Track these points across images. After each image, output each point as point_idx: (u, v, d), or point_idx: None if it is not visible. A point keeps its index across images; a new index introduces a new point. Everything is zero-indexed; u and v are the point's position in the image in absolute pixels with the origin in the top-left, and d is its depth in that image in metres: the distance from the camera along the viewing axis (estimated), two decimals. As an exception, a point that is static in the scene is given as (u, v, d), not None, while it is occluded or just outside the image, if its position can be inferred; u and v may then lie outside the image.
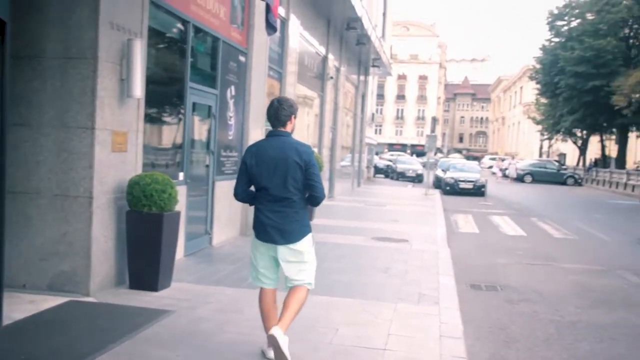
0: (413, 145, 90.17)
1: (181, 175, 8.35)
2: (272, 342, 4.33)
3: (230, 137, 10.31)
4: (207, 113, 9.30)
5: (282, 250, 4.60)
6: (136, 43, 6.32)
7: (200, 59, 9.02)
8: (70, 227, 6.15)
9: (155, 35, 7.45)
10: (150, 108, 7.43)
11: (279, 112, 4.61)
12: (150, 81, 7.27)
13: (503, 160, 50.64)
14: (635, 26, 45.88)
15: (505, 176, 44.02)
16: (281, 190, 4.50)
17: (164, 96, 8.11)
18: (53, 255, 6.20)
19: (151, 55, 7.31)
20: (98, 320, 5.43)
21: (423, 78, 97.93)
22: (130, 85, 6.35)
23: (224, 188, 10.00)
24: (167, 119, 8.34)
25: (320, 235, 11.37)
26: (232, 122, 10.28)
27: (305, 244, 4.66)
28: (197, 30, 8.61)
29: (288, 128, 4.65)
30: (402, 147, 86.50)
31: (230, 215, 10.40)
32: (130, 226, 6.49)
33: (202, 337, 5.18)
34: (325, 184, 18.76)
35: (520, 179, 42.76)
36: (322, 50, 17.23)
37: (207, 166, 9.40)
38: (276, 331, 4.33)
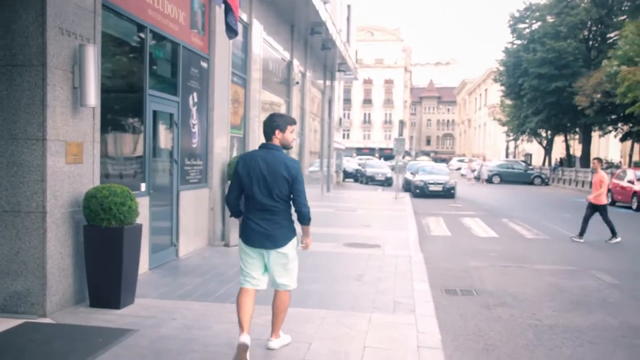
0: (381, 149, 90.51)
1: (143, 186, 8.01)
2: (241, 347, 4.76)
3: (194, 145, 9.97)
4: (169, 121, 8.95)
5: (272, 255, 4.97)
6: (88, 49, 5.97)
7: (159, 65, 8.68)
8: (23, 245, 5.77)
9: (110, 41, 7.11)
10: (108, 117, 7.08)
11: (264, 127, 5.01)
12: (106, 89, 6.93)
13: (472, 161, 50.41)
14: (594, 28, 46.64)
15: (476, 178, 43.65)
16: (268, 200, 4.81)
17: (122, 104, 7.76)
18: (5, 275, 5.80)
19: (107, 62, 6.96)
20: (54, 344, 5.06)
21: (389, 82, 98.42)
22: (84, 94, 5.99)
23: (190, 198, 9.67)
24: (126, 128, 7.98)
25: (290, 243, 11.11)
26: (195, 129, 9.95)
27: (290, 248, 5.01)
28: (155, 35, 8.28)
29: (275, 141, 4.95)
30: (371, 151, 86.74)
31: (197, 225, 10.06)
32: (88, 242, 6.13)
33: (167, 358, 4.85)
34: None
35: (488, 180, 43.09)
36: (286, 55, 16.99)
37: (171, 176, 9.05)
38: (272, 344, 5.12)
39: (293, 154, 17.98)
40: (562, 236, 14.47)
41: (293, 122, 5.09)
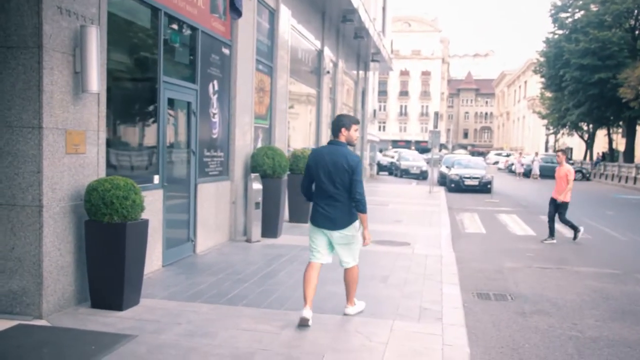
0: (417, 142, 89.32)
1: (156, 178, 7.58)
2: (302, 321, 5.54)
3: (215, 136, 9.53)
4: (187, 110, 8.52)
5: (335, 235, 5.82)
6: (91, 31, 5.53)
7: (175, 51, 8.24)
8: (18, 241, 5.38)
9: (119, 23, 6.66)
10: (116, 104, 6.67)
11: (333, 125, 5.94)
12: (116, 75, 6.53)
13: (522, 155, 47.69)
14: (641, 16, 44.96)
15: (525, 174, 41.07)
16: (332, 188, 5.68)
17: (133, 91, 7.35)
18: (0, 273, 5.43)
19: (115, 46, 6.53)
20: (43, 350, 4.66)
21: (426, 74, 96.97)
22: (86, 79, 5.56)
23: (209, 190, 9.25)
24: (138, 116, 7.57)
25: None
26: (216, 119, 9.50)
27: (352, 229, 5.84)
28: (171, 19, 7.84)
29: (341, 138, 5.83)
30: (406, 144, 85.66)
31: (217, 219, 9.64)
32: (89, 238, 5.72)
33: (162, 371, 4.40)
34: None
35: (526, 174, 41.86)
36: (317, 43, 16.45)
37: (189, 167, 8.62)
38: (307, 313, 5.60)
39: (312, 143, 17.47)
40: (605, 235, 13.64)
41: (357, 122, 5.96)
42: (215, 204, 9.54)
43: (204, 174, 9.17)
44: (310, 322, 5.52)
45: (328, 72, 17.38)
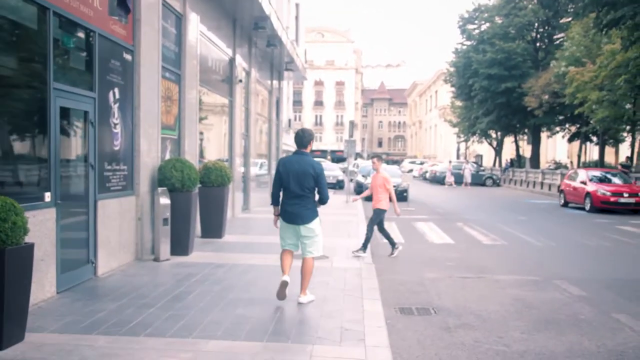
0: (333, 151, 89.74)
1: (48, 196, 6.81)
2: (282, 283, 6.81)
3: (117, 148, 8.79)
4: (83, 120, 7.77)
5: (301, 229, 6.91)
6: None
7: (69, 55, 7.50)
8: None
9: (-2, 22, 5.90)
10: (-3, 114, 5.89)
11: (303, 139, 7.01)
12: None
13: (450, 163, 47.61)
14: (541, 30, 47.00)
15: (458, 182, 41.09)
16: (299, 190, 6.81)
17: (16, 100, 6.55)
18: None
19: (-7, 47, 5.76)
20: None
21: (340, 84, 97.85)
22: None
23: (112, 207, 8.51)
24: (23, 127, 6.76)
25: (230, 256, 10.07)
26: (117, 129, 8.77)
27: (315, 224, 6.97)
28: (62, 19, 7.10)
29: (307, 149, 7.03)
30: (322, 153, 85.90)
31: (121, 238, 8.88)
32: (-39, 268, 4.93)
33: None
34: (240, 196, 17.37)
35: (440, 181, 42.68)
36: (229, 51, 15.88)
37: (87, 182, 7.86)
38: (302, 299, 6.97)
39: (237, 156, 16.89)
40: (520, 241, 13.78)
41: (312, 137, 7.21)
42: (119, 221, 8.80)
43: (105, 189, 8.41)
44: (288, 281, 6.85)
45: (240, 80, 16.81)
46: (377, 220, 11.08)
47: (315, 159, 7.40)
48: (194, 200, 10.33)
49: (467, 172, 41.48)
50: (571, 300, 7.95)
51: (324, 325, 6.06)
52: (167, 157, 10.85)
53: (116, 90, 8.64)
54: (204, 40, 13.32)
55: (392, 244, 11.36)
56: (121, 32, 8.78)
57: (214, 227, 11.96)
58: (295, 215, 6.86)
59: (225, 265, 9.22)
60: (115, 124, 8.68)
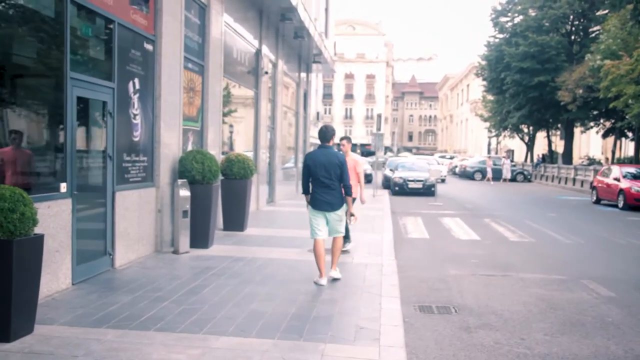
0: (362, 145, 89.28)
1: (64, 187, 6.75)
2: (320, 286, 7.44)
3: (136, 139, 8.73)
4: (102, 110, 7.71)
5: (331, 216, 7.68)
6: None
7: (87, 44, 7.45)
8: None
9: (10, 9, 5.83)
10: (11, 104, 5.84)
11: (326, 134, 7.79)
12: (8, 69, 5.68)
13: (490, 158, 45.82)
14: (576, 22, 45.92)
15: (495, 178, 39.67)
16: (327, 179, 7.56)
17: (30, 88, 6.52)
18: None
19: (7, 35, 5.70)
20: None
21: (371, 77, 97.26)
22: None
23: (131, 198, 8.46)
24: (39, 117, 6.72)
25: (250, 249, 9.97)
26: (137, 120, 8.71)
27: (343, 210, 7.74)
28: (80, 8, 7.03)
29: (330, 143, 7.78)
30: (352, 147, 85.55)
31: (140, 230, 8.84)
32: (-31, 258, 4.89)
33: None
34: (265, 188, 17.29)
35: (470, 176, 42.12)
36: (255, 43, 15.76)
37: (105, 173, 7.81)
38: (334, 274, 7.84)
39: (263, 149, 16.81)
40: (548, 238, 13.42)
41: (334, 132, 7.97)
42: (138, 212, 8.75)
43: (124, 180, 8.36)
44: (324, 285, 7.53)
45: (266, 72, 16.69)
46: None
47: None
48: (215, 193, 10.24)
49: (507, 168, 40.32)
50: (598, 302, 7.65)
51: (338, 323, 5.90)
52: (189, 148, 10.78)
53: (136, 80, 8.57)
54: (229, 31, 13.22)
55: (347, 236, 9.80)
56: (142, 21, 8.70)
57: (236, 220, 11.87)
58: (326, 203, 7.62)
59: (244, 258, 9.11)
60: (135, 115, 8.62)
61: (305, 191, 7.88)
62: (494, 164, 41.50)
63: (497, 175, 40.02)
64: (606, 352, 5.70)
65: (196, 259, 9.02)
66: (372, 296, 7.05)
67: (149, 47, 8.98)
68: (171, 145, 9.77)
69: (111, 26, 7.81)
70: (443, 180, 32.08)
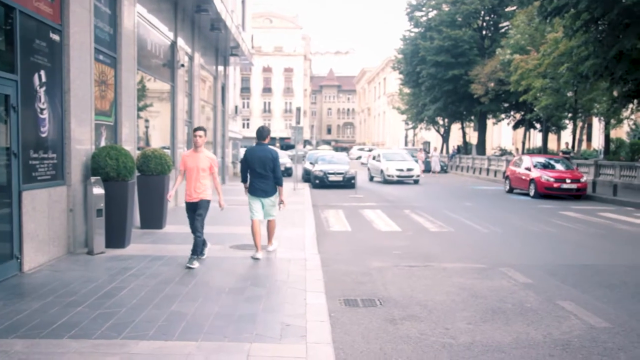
0: (282, 138, 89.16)
1: (-38, 187, 6.24)
2: (256, 260, 8.79)
3: (44, 135, 8.22)
4: (4, 104, 7.19)
5: (265, 201, 9.09)
6: None
7: (-15, 33, 6.91)
8: None
9: None
10: None
11: (262, 133, 9.22)
12: None
13: (422, 151, 45.77)
14: (487, 18, 47.52)
15: (426, 170, 39.71)
16: (263, 171, 8.96)
17: None
18: None
19: None
20: None
21: (289, 70, 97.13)
22: None
23: (39, 198, 7.97)
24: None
25: (169, 247, 9.65)
26: (45, 115, 8.20)
27: (275, 197, 9.16)
28: (-23, -7, 6.51)
29: (266, 141, 9.15)
30: (271, 141, 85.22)
31: (51, 231, 8.34)
32: None
33: None
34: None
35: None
36: (170, 35, 15.29)
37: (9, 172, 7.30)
38: (270, 248, 9.42)
39: (180, 143, 16.35)
40: (467, 228, 13.75)
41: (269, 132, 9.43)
42: (48, 213, 8.25)
43: (31, 179, 7.86)
44: (260, 258, 8.84)
45: (183, 65, 16.24)
46: (205, 215, 8.76)
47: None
48: (131, 190, 9.83)
49: (435, 160, 40.41)
50: (517, 288, 7.85)
51: (264, 321, 5.75)
52: (103, 144, 10.30)
53: (42, 72, 8.06)
54: (142, 22, 12.75)
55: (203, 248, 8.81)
56: (47, 10, 8.19)
57: (154, 218, 11.48)
58: (261, 190, 9.02)
59: (163, 257, 8.80)
60: (42, 109, 8.11)
61: (244, 180, 9.27)
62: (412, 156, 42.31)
63: (427, 168, 40.78)
64: (527, 338, 5.83)
65: (112, 259, 8.62)
66: (297, 292, 6.95)
67: (55, 37, 8.47)
68: (83, 141, 9.29)
69: (12, 14, 7.29)
70: (416, 182, 30.14)
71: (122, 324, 5.57)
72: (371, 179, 31.84)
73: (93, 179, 8.99)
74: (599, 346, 5.63)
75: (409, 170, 29.73)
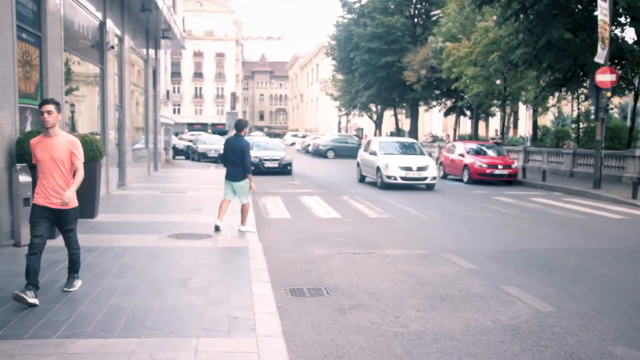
0: (214, 124, 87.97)
1: None
2: (215, 228, 10.12)
3: (-37, 119, 7.60)
4: None
5: (235, 185, 10.39)
6: None
7: None
8: None
9: None
10: None
11: (239, 125, 10.74)
12: None
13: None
14: (419, 5, 48.03)
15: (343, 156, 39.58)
16: (233, 159, 10.33)
17: None
18: None
19: None
20: None
21: (220, 55, 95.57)
22: None
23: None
24: None
25: (103, 237, 9.19)
26: (-37, 98, 7.57)
27: (245, 182, 10.40)
28: None
29: (242, 133, 10.63)
30: (203, 127, 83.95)
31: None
32: None
33: None
34: (115, 171, 16.20)
35: (323, 154, 42.81)
36: (98, 15, 14.59)
37: None
38: (242, 229, 10.31)
39: (111, 130, 15.68)
40: (405, 214, 13.81)
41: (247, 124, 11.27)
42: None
43: (-50, 166, 7.26)
44: (221, 227, 10.10)
45: (112, 47, 15.53)
46: (76, 227, 6.40)
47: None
48: (60, 178, 9.27)
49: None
50: (462, 274, 7.87)
51: (210, 315, 5.48)
52: (28, 129, 9.68)
53: (-40, 51, 7.44)
54: (68, 0, 12.05)
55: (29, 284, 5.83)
56: (-35, -17, 7.55)
57: (85, 206, 10.74)
58: (232, 175, 10.36)
59: (97, 248, 8.34)
60: (-39, 91, 7.49)
61: (225, 164, 10.66)
62: (346, 143, 42.45)
63: (344, 153, 40.86)
64: (476, 325, 5.80)
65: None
66: (241, 282, 6.70)
67: (-26, 13, 7.84)
68: (5, 125, 8.68)
69: None
70: (431, 187, 23.66)
71: (57, 322, 5.19)
72: (362, 179, 22.55)
73: (19, 165, 8.43)
74: (547, 331, 5.67)
75: (420, 169, 19.54)
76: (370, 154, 21.38)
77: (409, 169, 19.43)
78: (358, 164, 23.17)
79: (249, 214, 10.90)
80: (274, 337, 4.96)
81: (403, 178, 19.33)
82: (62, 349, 4.56)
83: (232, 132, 10.42)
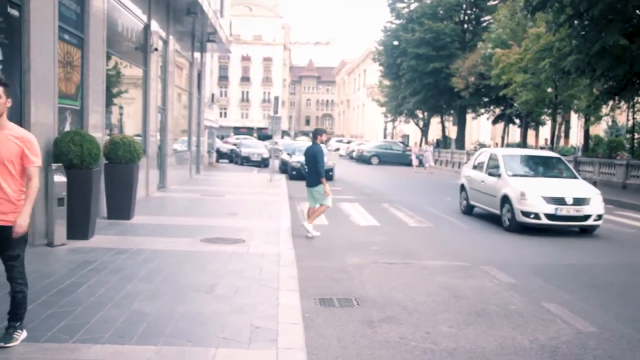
0: (260, 128, 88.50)
1: None
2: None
3: (0, 118, 7.63)
4: (-46, 83, 6.61)
5: (310, 190, 11.07)
6: None
7: None
8: None
9: None
10: None
11: (315, 134, 11.47)
12: None
13: (416, 145, 43.56)
14: (469, 11, 47.35)
15: (420, 164, 37.74)
16: (310, 165, 11.14)
17: None
18: None
19: None
20: None
21: (268, 60, 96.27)
22: None
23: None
24: None
25: (135, 239, 9.12)
26: (1, 96, 7.59)
27: (320, 187, 10.88)
28: None
29: (318, 140, 11.28)
30: (249, 130, 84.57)
31: None
32: None
33: None
34: (155, 173, 16.29)
35: (367, 161, 42.45)
36: (143, 17, 14.68)
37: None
38: (307, 225, 11.04)
39: (153, 132, 15.76)
40: (447, 223, 13.42)
41: (325, 131, 12.18)
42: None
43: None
44: (311, 232, 10.92)
45: (156, 49, 15.62)
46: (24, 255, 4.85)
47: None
48: (96, 178, 9.28)
49: (429, 155, 38.37)
50: (500, 289, 7.50)
51: (232, 323, 5.30)
52: (67, 129, 9.73)
53: (-1, 50, 7.49)
54: (113, 2, 12.14)
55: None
56: (5, -17, 7.60)
57: (121, 208, 10.92)
58: (309, 181, 11.06)
59: (128, 250, 8.28)
60: (-2, 90, 7.52)
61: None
62: (390, 149, 42.12)
63: (388, 160, 40.62)
64: (512, 343, 5.46)
65: (73, 251, 8.09)
66: (269, 290, 6.50)
67: (14, 12, 7.87)
68: (44, 125, 8.71)
69: (-35, -15, 6.71)
70: (592, 231, 15.03)
71: (76, 325, 5.08)
72: (469, 210, 15.29)
73: (54, 165, 8.44)
74: (589, 353, 5.30)
75: (578, 202, 12.16)
76: (489, 174, 14.03)
77: (561, 201, 12.08)
78: (462, 188, 16.02)
79: (320, 216, 11.78)
80: (295, 350, 4.74)
81: (550, 217, 11.98)
82: (76, 354, 4.44)
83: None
